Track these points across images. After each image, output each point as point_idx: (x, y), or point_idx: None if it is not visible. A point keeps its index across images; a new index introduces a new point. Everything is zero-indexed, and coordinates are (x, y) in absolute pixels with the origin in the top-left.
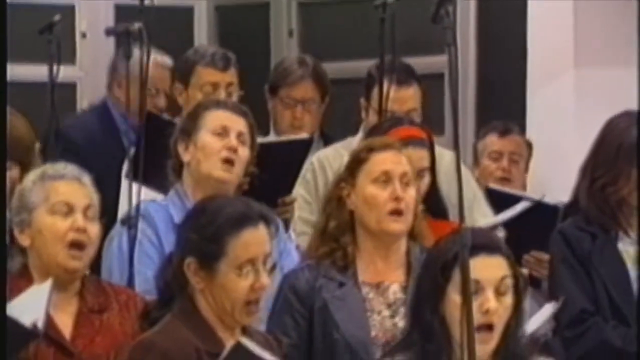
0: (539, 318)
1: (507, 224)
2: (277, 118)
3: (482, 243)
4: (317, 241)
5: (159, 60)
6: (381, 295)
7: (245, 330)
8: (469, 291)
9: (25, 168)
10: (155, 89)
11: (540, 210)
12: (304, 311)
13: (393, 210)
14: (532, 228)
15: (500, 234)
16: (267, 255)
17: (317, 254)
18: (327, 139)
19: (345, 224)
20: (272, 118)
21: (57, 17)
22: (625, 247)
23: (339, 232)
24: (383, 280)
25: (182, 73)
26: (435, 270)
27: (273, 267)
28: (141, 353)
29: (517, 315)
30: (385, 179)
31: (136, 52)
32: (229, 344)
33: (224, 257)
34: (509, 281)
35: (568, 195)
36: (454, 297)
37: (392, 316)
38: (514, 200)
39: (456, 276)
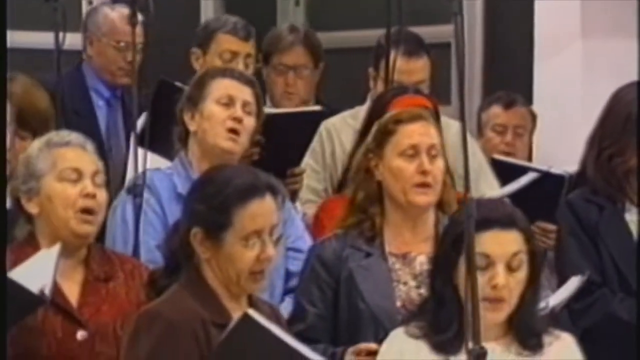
0: (564, 292)
1: (513, 195)
2: (270, 86)
3: (497, 217)
4: (346, 211)
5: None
6: (407, 266)
7: (251, 300)
8: (473, 262)
9: (35, 134)
10: (125, 43)
11: (547, 181)
12: (331, 281)
13: (420, 183)
14: (538, 198)
15: None
16: (273, 226)
17: (344, 224)
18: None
19: (374, 194)
20: (266, 86)
21: None
22: (633, 218)
23: (367, 203)
24: (410, 251)
25: (202, 38)
26: (448, 242)
27: (279, 238)
28: (147, 322)
29: (532, 289)
30: (413, 152)
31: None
32: (235, 313)
33: (230, 227)
34: (523, 257)
35: (574, 166)
36: (464, 268)
37: (418, 287)
38: (520, 171)
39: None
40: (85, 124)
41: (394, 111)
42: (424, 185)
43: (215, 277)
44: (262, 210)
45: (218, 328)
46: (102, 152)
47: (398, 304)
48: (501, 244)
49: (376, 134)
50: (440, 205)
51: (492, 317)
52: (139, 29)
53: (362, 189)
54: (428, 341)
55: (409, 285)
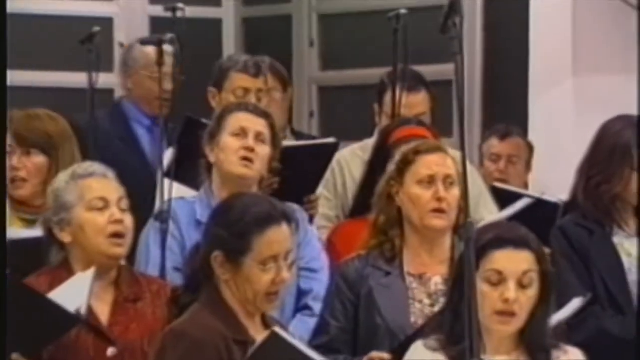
0: (566, 311)
1: (510, 220)
2: None
3: (511, 237)
4: (369, 234)
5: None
6: (423, 285)
7: (264, 318)
8: (473, 281)
9: (55, 161)
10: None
11: (541, 207)
12: (352, 297)
13: (435, 209)
14: (534, 224)
15: None
16: (288, 251)
17: (367, 246)
18: (298, 135)
19: (394, 219)
20: None
21: (96, 29)
22: (620, 241)
23: (388, 226)
24: (426, 272)
25: (217, 78)
26: (470, 257)
27: (293, 262)
28: (173, 341)
29: (543, 307)
30: (430, 180)
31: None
32: (251, 331)
33: (249, 252)
34: (534, 275)
35: (567, 193)
36: (479, 284)
37: (432, 305)
38: (517, 197)
39: (483, 265)
40: (130, 150)
41: (415, 143)
42: (439, 210)
43: (234, 297)
44: (278, 237)
45: (238, 345)
46: (148, 172)
47: (412, 319)
48: (513, 262)
49: (398, 163)
50: (456, 230)
51: (502, 330)
52: (170, 60)
53: (383, 213)
54: (445, 353)
55: (423, 303)
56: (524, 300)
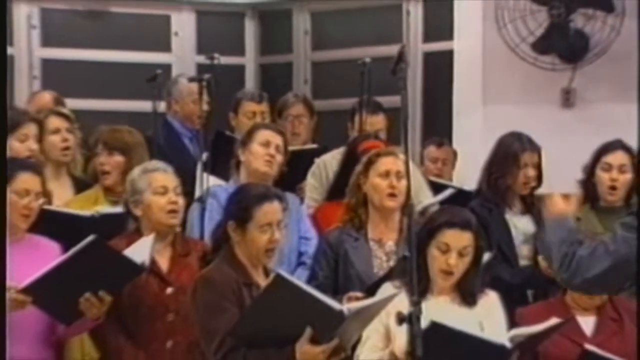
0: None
1: (440, 203)
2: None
3: (458, 221)
4: (343, 212)
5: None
6: (381, 247)
7: (265, 269)
8: (413, 246)
9: (130, 160)
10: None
11: (461, 194)
12: (333, 255)
13: (390, 194)
14: (455, 204)
15: (434, 208)
16: (279, 220)
17: (342, 220)
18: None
19: (361, 201)
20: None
21: (159, 71)
22: (510, 217)
23: (357, 207)
24: (382, 238)
25: (234, 105)
26: (424, 232)
27: (283, 229)
28: (202, 283)
29: (474, 268)
30: (386, 174)
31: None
32: (255, 278)
33: (251, 220)
34: (470, 249)
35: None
36: (431, 250)
37: (388, 260)
38: (445, 187)
39: (436, 238)
40: (180, 154)
41: (375, 150)
42: (392, 195)
43: (243, 253)
44: (271, 209)
45: (245, 286)
46: (193, 169)
47: (375, 270)
48: (458, 239)
49: (364, 163)
50: (403, 209)
51: (444, 283)
52: (206, 92)
53: (354, 197)
54: (406, 290)
55: (382, 259)
56: (461, 265)
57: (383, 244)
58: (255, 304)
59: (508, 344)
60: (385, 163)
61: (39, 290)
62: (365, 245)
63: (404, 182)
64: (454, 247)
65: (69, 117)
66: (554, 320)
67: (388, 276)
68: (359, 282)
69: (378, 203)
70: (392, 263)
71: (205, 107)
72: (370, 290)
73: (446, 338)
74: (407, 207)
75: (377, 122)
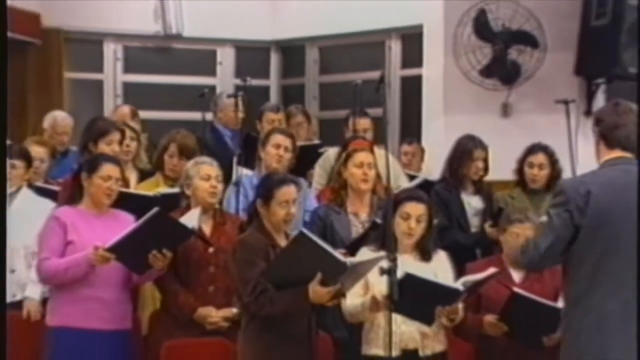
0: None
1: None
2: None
3: (414, 196)
4: (330, 193)
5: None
6: (357, 218)
7: (286, 235)
8: (389, 217)
9: (189, 158)
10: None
11: (428, 182)
12: (322, 224)
13: (363, 179)
14: (424, 190)
15: None
16: (294, 199)
17: (330, 199)
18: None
19: (343, 185)
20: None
21: (206, 90)
22: (464, 197)
23: (339, 189)
24: (358, 212)
25: (259, 115)
26: (391, 205)
27: (298, 205)
28: (239, 245)
29: (428, 232)
30: (360, 165)
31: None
32: (279, 240)
33: (273, 199)
34: (424, 217)
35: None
36: (397, 219)
37: (362, 228)
38: (416, 177)
39: (400, 209)
40: (223, 149)
41: (352, 147)
42: (365, 180)
43: (269, 223)
44: (288, 191)
45: (271, 247)
46: (231, 159)
47: (353, 235)
48: (415, 209)
49: (345, 156)
50: (374, 191)
51: (407, 242)
52: (242, 105)
53: (337, 182)
54: (380, 251)
55: (358, 227)
56: (418, 229)
57: (358, 216)
58: (281, 253)
59: (461, 287)
60: (360, 157)
61: (119, 249)
62: (345, 217)
63: (373, 172)
64: (413, 215)
65: (135, 130)
66: (492, 270)
67: (363, 239)
68: (341, 244)
69: (355, 186)
70: (365, 226)
71: (240, 115)
72: (350, 249)
73: (416, 285)
74: (381, 189)
75: (364, 125)
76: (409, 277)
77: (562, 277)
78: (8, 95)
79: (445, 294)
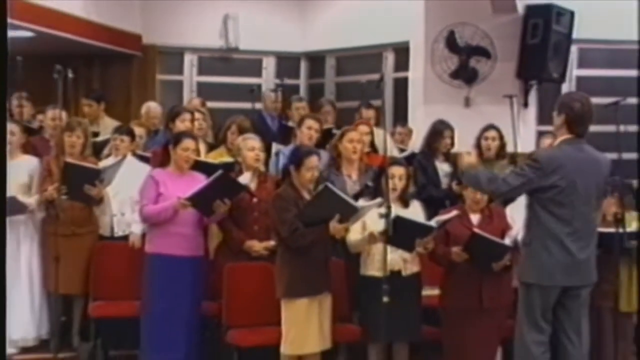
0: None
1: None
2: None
3: (396, 161)
4: (330, 160)
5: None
6: (350, 179)
7: (309, 191)
8: (386, 177)
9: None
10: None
11: (413, 154)
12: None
13: (352, 151)
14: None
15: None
16: (317, 166)
17: (330, 165)
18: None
19: (339, 155)
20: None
21: (254, 87)
22: (438, 164)
23: (337, 157)
24: (350, 174)
25: (289, 105)
26: (385, 170)
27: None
28: (277, 196)
29: (408, 188)
30: (351, 141)
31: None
32: (306, 196)
33: (302, 165)
34: (404, 176)
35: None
36: (390, 179)
37: (354, 186)
38: (404, 151)
39: (390, 172)
40: (266, 129)
41: (346, 127)
42: (354, 152)
43: (297, 183)
44: (313, 159)
45: (299, 199)
46: (272, 138)
47: (347, 191)
48: (397, 171)
49: (340, 134)
50: (361, 159)
51: (393, 194)
52: (280, 97)
53: (335, 152)
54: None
55: (350, 186)
56: (400, 185)
57: (351, 177)
58: (311, 201)
59: (434, 224)
60: (350, 135)
61: (194, 199)
62: (341, 178)
63: (360, 145)
64: (396, 175)
65: (203, 113)
66: (455, 212)
67: (359, 195)
68: None
69: (347, 156)
70: (356, 187)
71: (278, 105)
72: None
73: (403, 223)
74: (365, 158)
75: (369, 113)
76: (398, 218)
77: (526, 216)
78: (118, 93)
79: (423, 230)
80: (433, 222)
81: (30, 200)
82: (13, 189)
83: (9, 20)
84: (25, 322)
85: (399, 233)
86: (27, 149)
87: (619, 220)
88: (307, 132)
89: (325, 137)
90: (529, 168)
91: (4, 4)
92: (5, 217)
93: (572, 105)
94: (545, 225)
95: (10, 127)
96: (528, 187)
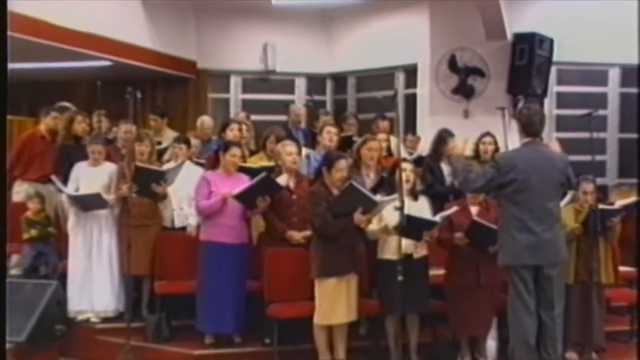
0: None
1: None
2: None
3: (407, 160)
4: (352, 162)
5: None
6: (368, 177)
7: (338, 189)
8: (401, 175)
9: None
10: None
11: (421, 157)
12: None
13: (370, 157)
14: (419, 161)
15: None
16: (345, 167)
17: (351, 167)
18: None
19: (359, 159)
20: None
21: (288, 103)
22: (442, 165)
23: (357, 161)
24: (369, 173)
25: (317, 117)
26: (393, 168)
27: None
28: (311, 193)
29: (415, 182)
30: (369, 149)
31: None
32: (334, 192)
33: (333, 167)
34: (412, 173)
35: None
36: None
37: (371, 184)
38: (412, 154)
39: (400, 169)
40: (292, 138)
41: (367, 136)
42: (372, 158)
43: (328, 182)
44: (342, 162)
45: (329, 195)
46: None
47: (367, 188)
48: (408, 166)
49: (361, 142)
50: (377, 163)
51: (405, 187)
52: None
53: (356, 156)
54: (387, 196)
55: (368, 183)
56: (412, 177)
57: (369, 176)
58: (339, 196)
59: (438, 220)
60: (369, 144)
61: (240, 196)
62: (360, 178)
63: (377, 153)
64: (407, 169)
65: (247, 124)
66: (454, 208)
67: (376, 189)
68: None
69: (365, 161)
70: (373, 184)
71: (302, 118)
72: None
73: (413, 220)
74: (382, 161)
75: (384, 124)
76: (409, 216)
77: (499, 210)
78: (177, 109)
79: (429, 224)
80: (437, 218)
81: (110, 197)
82: (98, 189)
83: (91, 52)
84: (107, 297)
85: (410, 227)
86: (107, 157)
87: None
88: (327, 135)
89: (347, 144)
90: (490, 169)
91: (4, 4)
92: (5, 217)
93: (521, 112)
94: (511, 214)
95: (98, 147)
96: (493, 183)
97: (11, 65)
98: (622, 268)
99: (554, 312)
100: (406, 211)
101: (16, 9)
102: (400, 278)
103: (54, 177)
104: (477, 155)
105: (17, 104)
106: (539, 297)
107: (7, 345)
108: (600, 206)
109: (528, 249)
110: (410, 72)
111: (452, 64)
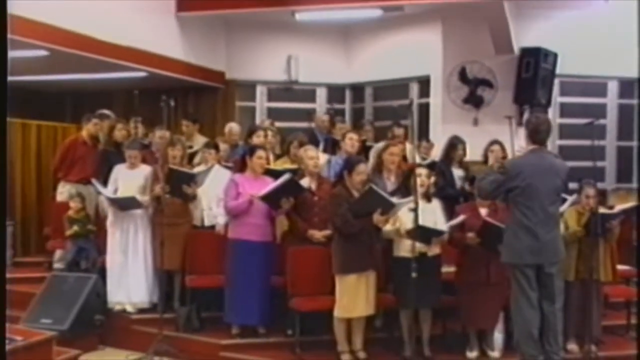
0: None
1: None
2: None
3: (421, 165)
4: (375, 166)
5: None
6: (389, 181)
7: (358, 191)
8: (415, 177)
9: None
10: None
11: (434, 162)
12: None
13: (391, 162)
14: (432, 166)
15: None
16: (365, 171)
17: (372, 171)
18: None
19: (381, 163)
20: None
21: (310, 111)
22: (454, 169)
23: (378, 165)
24: (390, 177)
25: (334, 124)
26: (409, 172)
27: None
28: (333, 195)
29: (429, 186)
30: (391, 154)
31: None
32: (354, 194)
33: (354, 171)
34: (426, 177)
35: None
36: (413, 179)
37: (392, 187)
38: (425, 159)
39: (415, 173)
40: (318, 143)
41: (387, 142)
42: (392, 163)
43: (349, 184)
44: (362, 167)
45: (350, 197)
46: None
47: (387, 190)
48: (423, 171)
49: (383, 147)
50: (399, 166)
51: (420, 191)
52: (327, 117)
53: (377, 161)
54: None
55: (389, 186)
56: (425, 183)
57: (390, 179)
58: (359, 198)
59: (446, 229)
60: (390, 150)
61: (265, 197)
62: (382, 181)
63: (398, 158)
64: (423, 174)
65: (273, 130)
66: (462, 217)
67: (395, 192)
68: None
69: (387, 165)
70: (394, 187)
71: (327, 124)
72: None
73: (425, 230)
74: (402, 165)
75: (399, 132)
76: (421, 227)
77: (507, 212)
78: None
79: (437, 233)
80: (446, 227)
81: (145, 198)
82: (134, 190)
83: (129, 64)
84: (142, 290)
85: (421, 234)
86: (142, 160)
87: (596, 210)
88: (350, 142)
89: (364, 150)
90: (500, 174)
91: (4, 4)
92: (5, 217)
93: (529, 121)
94: (516, 217)
95: (134, 152)
96: (502, 188)
97: (57, 77)
98: (619, 267)
99: (555, 305)
100: (420, 212)
101: (65, 25)
102: (414, 275)
103: (94, 181)
104: (485, 161)
105: (61, 112)
106: (540, 292)
107: (51, 333)
108: (601, 210)
109: (530, 250)
110: (424, 83)
111: (463, 76)
